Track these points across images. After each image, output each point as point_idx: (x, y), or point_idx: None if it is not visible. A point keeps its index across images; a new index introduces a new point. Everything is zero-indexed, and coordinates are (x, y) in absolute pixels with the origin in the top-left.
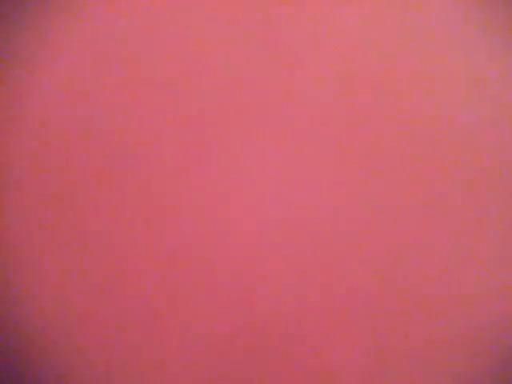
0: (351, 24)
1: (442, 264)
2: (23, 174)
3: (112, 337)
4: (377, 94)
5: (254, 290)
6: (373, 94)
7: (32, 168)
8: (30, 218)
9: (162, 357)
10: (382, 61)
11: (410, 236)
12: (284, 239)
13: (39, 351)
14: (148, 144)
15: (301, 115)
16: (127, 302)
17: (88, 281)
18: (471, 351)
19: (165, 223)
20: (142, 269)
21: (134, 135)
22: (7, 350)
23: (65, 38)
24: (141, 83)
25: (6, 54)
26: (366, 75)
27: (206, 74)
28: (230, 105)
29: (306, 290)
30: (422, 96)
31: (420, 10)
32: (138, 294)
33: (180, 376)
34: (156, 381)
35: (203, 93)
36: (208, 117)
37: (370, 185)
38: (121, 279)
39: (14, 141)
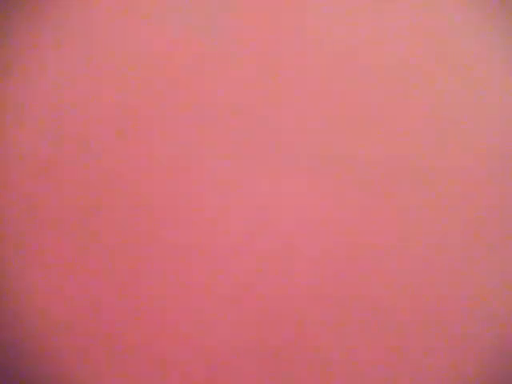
0: (351, 27)
1: (442, 264)
2: (23, 173)
3: (114, 336)
4: (378, 96)
5: (259, 288)
6: (375, 95)
7: (32, 166)
8: (30, 216)
9: (162, 355)
10: (382, 62)
11: (410, 237)
12: (287, 244)
13: (39, 350)
14: (149, 143)
15: (303, 122)
16: (129, 302)
17: (90, 280)
18: (471, 352)
19: (166, 221)
20: (144, 268)
21: (135, 135)
22: (5, 347)
23: (65, 37)
24: (140, 84)
25: (5, 54)
26: (368, 78)
27: (207, 74)
28: (229, 109)
29: (308, 293)
30: (423, 98)
31: (421, 12)
32: (141, 293)
33: (182, 375)
34: (158, 379)
35: (203, 94)
36: (208, 119)
37: (371, 186)
38: (122, 277)
39: (13, 140)
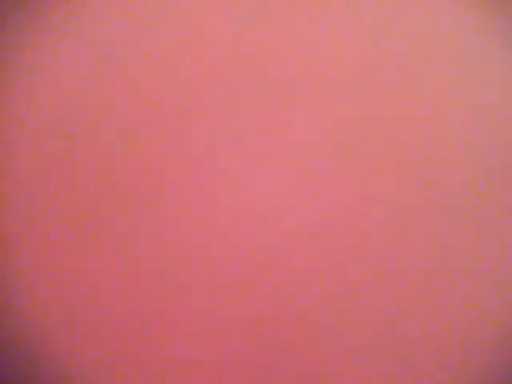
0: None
1: (441, 264)
2: (24, 172)
3: (114, 336)
4: (377, 96)
5: (258, 285)
6: (374, 95)
7: (33, 165)
8: (30, 215)
9: (162, 355)
10: (381, 61)
11: (411, 237)
12: (287, 239)
13: (38, 350)
14: (149, 142)
15: (301, 121)
16: (129, 302)
17: (90, 279)
18: (471, 353)
19: (165, 222)
20: (144, 267)
21: (135, 135)
22: (5, 347)
23: (65, 36)
24: (141, 82)
25: (5, 54)
26: (368, 79)
27: (206, 73)
28: (229, 106)
29: (307, 290)
30: (422, 100)
31: (419, 12)
32: (141, 293)
33: (182, 375)
34: (158, 378)
35: (203, 93)
36: (208, 118)
37: (370, 185)
38: (122, 277)
39: (13, 140)
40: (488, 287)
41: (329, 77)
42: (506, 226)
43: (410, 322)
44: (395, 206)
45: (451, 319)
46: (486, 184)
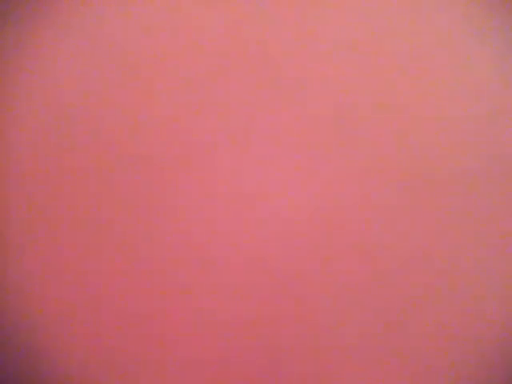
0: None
1: (442, 264)
2: (23, 173)
3: (114, 334)
4: (376, 97)
5: (258, 286)
6: (373, 96)
7: (33, 165)
8: (30, 215)
9: (162, 356)
10: (381, 62)
11: (411, 236)
12: (284, 239)
13: (38, 350)
14: (149, 142)
15: (299, 120)
16: (129, 302)
17: (90, 279)
18: (471, 353)
19: (164, 222)
20: (144, 267)
21: (136, 132)
22: (5, 347)
23: (65, 36)
24: (142, 82)
25: (5, 53)
26: (367, 79)
27: (207, 72)
28: (229, 105)
29: (306, 290)
30: (422, 100)
31: (419, 12)
32: (141, 294)
33: (181, 375)
34: (158, 379)
35: (203, 92)
36: (208, 117)
37: (370, 184)
38: (122, 277)
39: (13, 140)
40: (488, 287)
41: (329, 77)
42: (505, 225)
43: (409, 322)
44: (395, 205)
45: (451, 319)
46: (486, 183)
